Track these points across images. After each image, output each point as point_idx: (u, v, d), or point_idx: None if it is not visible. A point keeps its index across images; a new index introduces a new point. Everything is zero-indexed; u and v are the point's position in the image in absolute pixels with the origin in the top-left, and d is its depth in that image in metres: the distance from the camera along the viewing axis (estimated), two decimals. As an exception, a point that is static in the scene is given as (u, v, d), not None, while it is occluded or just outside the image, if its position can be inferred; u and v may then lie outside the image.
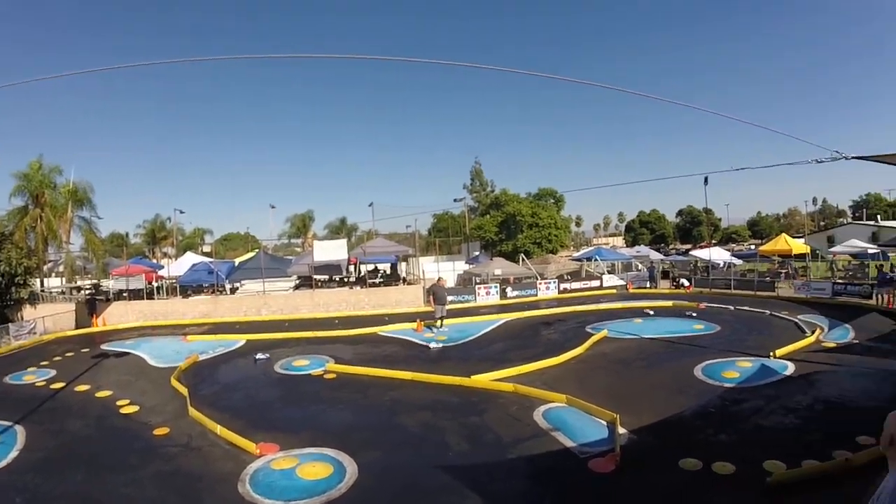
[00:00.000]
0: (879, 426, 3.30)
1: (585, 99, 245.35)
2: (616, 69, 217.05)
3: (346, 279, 37.37)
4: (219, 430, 11.18)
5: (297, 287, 36.47)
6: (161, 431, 11.67)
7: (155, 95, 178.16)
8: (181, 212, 47.05)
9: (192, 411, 12.62)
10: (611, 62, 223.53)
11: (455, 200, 64.29)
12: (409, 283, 37.73)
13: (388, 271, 40.64)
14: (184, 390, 14.44)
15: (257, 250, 43.70)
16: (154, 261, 53.68)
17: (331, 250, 35.16)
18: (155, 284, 37.17)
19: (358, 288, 34.60)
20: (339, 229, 70.78)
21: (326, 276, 36.56)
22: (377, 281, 36.90)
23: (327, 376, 16.42)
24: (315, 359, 18.63)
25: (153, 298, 33.87)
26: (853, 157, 7.61)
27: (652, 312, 26.05)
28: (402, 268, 43.33)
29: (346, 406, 13.35)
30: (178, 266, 39.94)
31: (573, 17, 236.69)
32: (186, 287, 35.99)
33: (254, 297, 33.09)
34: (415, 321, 25.25)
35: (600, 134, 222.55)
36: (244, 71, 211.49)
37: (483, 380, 14.95)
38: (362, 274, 38.17)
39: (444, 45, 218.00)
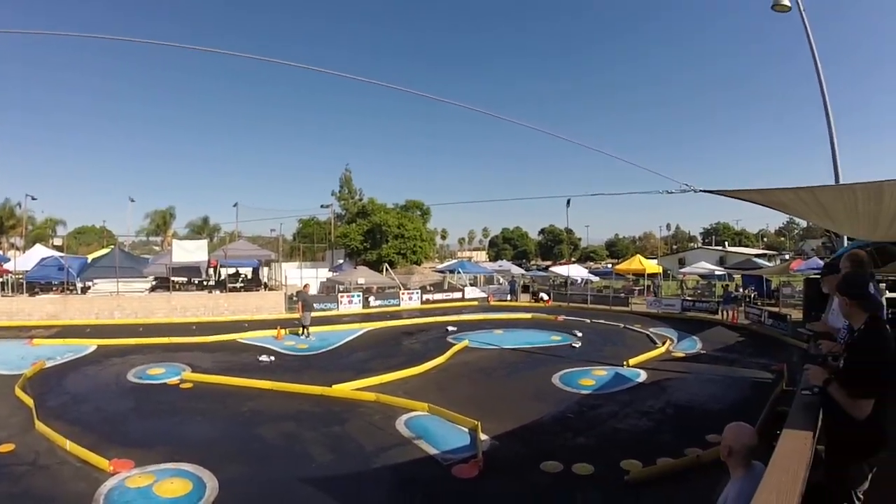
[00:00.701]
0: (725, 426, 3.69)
1: (456, 116, 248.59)
2: (490, 92, 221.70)
3: (205, 282, 36.04)
4: (68, 445, 10.44)
5: (153, 289, 34.55)
6: (5, 448, 10.68)
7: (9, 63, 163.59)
8: (33, 198, 44.42)
9: (39, 425, 11.70)
10: (483, 85, 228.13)
11: (322, 206, 63.89)
12: (270, 289, 37.07)
13: (250, 276, 39.50)
14: (29, 401, 13.31)
15: (112, 247, 41.43)
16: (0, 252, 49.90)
17: (191, 251, 33.73)
18: (-1, 279, 34.49)
19: (217, 292, 33.47)
20: (200, 229, 68.44)
21: (185, 279, 35.25)
22: (238, 285, 35.86)
23: (183, 385, 15.81)
24: (171, 366, 17.86)
25: (-5, 295, 31.34)
26: (701, 190, 8.18)
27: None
28: (265, 273, 42.37)
29: (204, 417, 12.88)
30: (25, 260, 36.67)
31: (444, 38, 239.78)
32: (34, 284, 33.20)
33: (107, 297, 31.03)
34: (275, 328, 24.88)
35: (469, 151, 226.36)
36: (106, 48, 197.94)
37: (345, 389, 15.03)
38: (222, 277, 36.68)
39: (317, 50, 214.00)
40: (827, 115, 14.82)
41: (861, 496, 3.78)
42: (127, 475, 9.29)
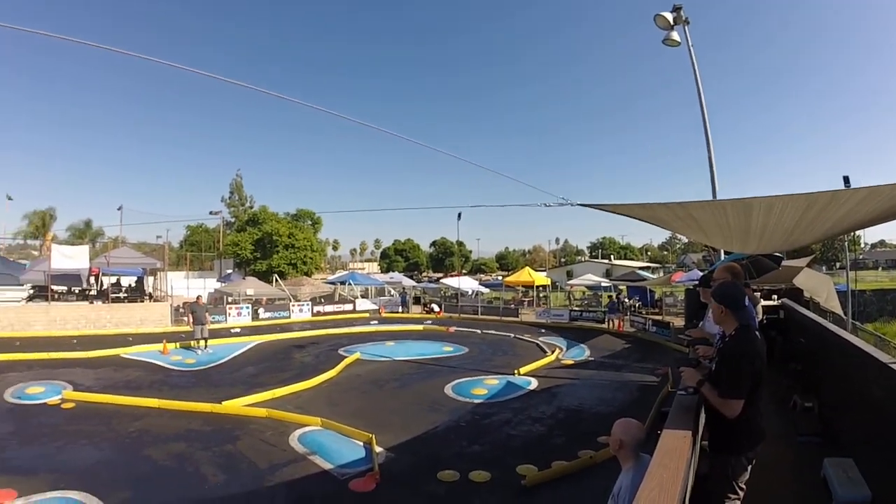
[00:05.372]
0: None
1: (347, 127, 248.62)
2: (381, 109, 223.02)
3: (87, 292, 34.06)
4: None
5: (31, 298, 32.36)
6: None
7: None
8: None
9: None
10: (372, 103, 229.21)
11: (211, 213, 62.13)
12: (155, 300, 35.84)
13: (133, 285, 37.82)
14: None
15: (-14, 251, 38.81)
16: None
17: (71, 257, 31.79)
18: None
19: (99, 303, 31.98)
20: (82, 233, 64.76)
21: (65, 288, 33.31)
22: (121, 296, 34.35)
23: (65, 405, 15.02)
24: (51, 385, 16.93)
25: None
26: (578, 204, 8.35)
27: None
28: (150, 282, 40.75)
29: (88, 440, 12.27)
30: None
31: (330, 47, 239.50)
32: None
33: None
34: (161, 342, 24.10)
35: (361, 162, 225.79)
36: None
37: (235, 405, 14.85)
38: (104, 287, 35.01)
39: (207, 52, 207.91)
40: (707, 135, 15.72)
41: (743, 486, 4.12)
42: (9, 506, 8.75)
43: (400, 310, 42.48)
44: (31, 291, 33.12)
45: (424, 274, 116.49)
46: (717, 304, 4.25)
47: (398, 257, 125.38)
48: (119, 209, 40.08)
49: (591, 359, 22.49)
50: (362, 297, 46.93)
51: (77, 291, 33.70)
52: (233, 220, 67.07)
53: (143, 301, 34.53)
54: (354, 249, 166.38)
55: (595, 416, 13.99)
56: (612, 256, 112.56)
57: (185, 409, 14.71)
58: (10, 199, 44.51)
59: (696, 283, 9.45)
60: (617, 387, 17.29)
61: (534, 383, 17.87)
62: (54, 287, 31.69)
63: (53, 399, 15.58)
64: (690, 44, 15.40)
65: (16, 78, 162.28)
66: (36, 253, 60.46)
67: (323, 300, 43.66)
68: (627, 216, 8.87)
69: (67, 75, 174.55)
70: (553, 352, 23.16)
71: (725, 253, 13.68)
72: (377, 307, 42.75)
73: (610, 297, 42.26)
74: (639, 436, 3.74)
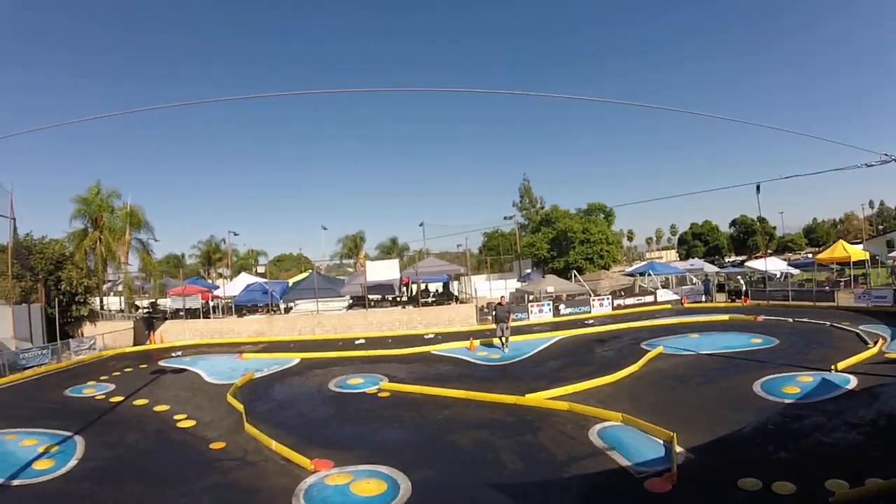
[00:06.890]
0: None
1: (627, 111, 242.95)
2: (662, 80, 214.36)
3: (398, 298, 37.58)
4: (274, 445, 11.30)
5: (350, 307, 36.79)
6: (217, 445, 11.88)
7: (206, 117, 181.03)
8: (235, 234, 48.04)
9: (248, 427, 12.80)
10: (652, 72, 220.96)
11: (505, 218, 64.62)
12: (461, 302, 37.87)
13: (440, 290, 40.73)
14: (239, 406, 14.67)
15: (310, 271, 44.10)
16: (209, 281, 54.72)
17: (383, 270, 35.56)
18: (211, 304, 38.11)
19: (410, 307, 34.74)
20: (390, 249, 71.18)
21: (379, 296, 36.75)
22: (429, 300, 37.07)
23: (381, 394, 16.51)
24: (369, 377, 18.74)
25: (209, 317, 34.70)
26: None
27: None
28: (454, 287, 43.23)
29: (399, 424, 13.34)
30: (232, 286, 41.14)
31: (605, 31, 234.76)
32: (241, 307, 36.76)
33: (307, 316, 33.61)
34: (468, 340, 25.14)
35: (647, 145, 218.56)
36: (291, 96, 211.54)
37: (537, 398, 14.84)
38: (414, 293, 38.25)
39: (482, 67, 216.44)
40: None
41: None
42: (326, 473, 9.85)
43: (703, 299, 40.15)
44: (350, 301, 37.75)
45: (727, 257, 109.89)
46: None
47: (697, 242, 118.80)
48: (421, 225, 43.31)
49: (922, 353, 19.19)
50: (662, 287, 45.22)
51: (390, 299, 37.18)
52: (526, 222, 68.81)
53: (449, 304, 36.64)
54: (650, 238, 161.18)
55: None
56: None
57: (490, 401, 15.07)
58: (324, 229, 50.81)
59: None
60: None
61: (853, 381, 15.40)
62: (370, 296, 35.31)
63: (371, 389, 17.20)
64: None
65: (320, 131, 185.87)
66: (351, 270, 67.44)
67: (623, 293, 42.80)
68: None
69: (358, 116, 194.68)
70: (875, 343, 19.97)
71: None
72: (679, 297, 40.88)
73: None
74: None
